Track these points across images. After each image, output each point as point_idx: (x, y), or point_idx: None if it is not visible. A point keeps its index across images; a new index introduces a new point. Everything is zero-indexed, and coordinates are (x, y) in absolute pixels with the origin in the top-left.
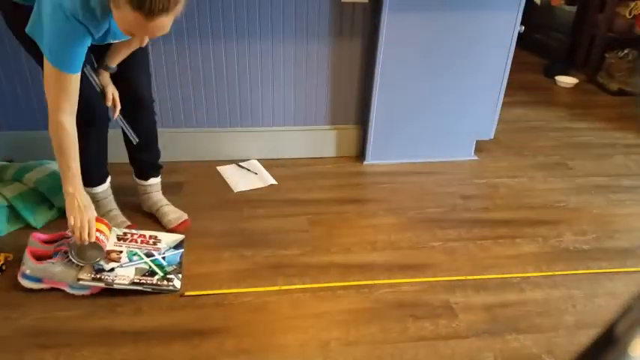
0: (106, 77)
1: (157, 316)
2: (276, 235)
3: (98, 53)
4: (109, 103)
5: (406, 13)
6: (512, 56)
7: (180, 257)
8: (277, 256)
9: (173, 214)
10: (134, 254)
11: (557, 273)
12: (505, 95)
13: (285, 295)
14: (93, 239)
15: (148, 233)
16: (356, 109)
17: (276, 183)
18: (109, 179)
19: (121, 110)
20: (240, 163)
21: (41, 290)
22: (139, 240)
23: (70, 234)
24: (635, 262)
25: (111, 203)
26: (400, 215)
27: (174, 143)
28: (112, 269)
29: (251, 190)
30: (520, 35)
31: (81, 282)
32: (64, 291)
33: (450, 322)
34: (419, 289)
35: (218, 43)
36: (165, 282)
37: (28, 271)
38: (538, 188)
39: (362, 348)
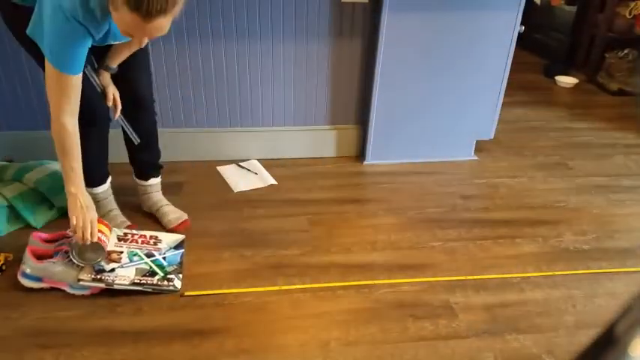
0: (106, 77)
1: (157, 316)
2: (276, 235)
3: (99, 54)
4: (110, 104)
5: (406, 13)
6: (512, 56)
7: (181, 257)
8: (277, 256)
9: (173, 214)
10: (134, 254)
11: (557, 273)
12: (505, 95)
13: (285, 295)
14: (95, 239)
15: (148, 233)
16: (356, 109)
17: (276, 183)
18: (109, 179)
19: (121, 110)
20: (240, 163)
21: (41, 290)
22: (139, 240)
23: (70, 234)
24: (635, 262)
25: (111, 203)
26: (400, 215)
27: (175, 143)
28: (113, 270)
29: (251, 190)
30: (520, 35)
31: (81, 282)
32: (64, 291)
33: (450, 322)
34: (419, 289)
35: (218, 43)
36: (165, 282)
37: (28, 270)
38: (538, 188)
39: (362, 348)
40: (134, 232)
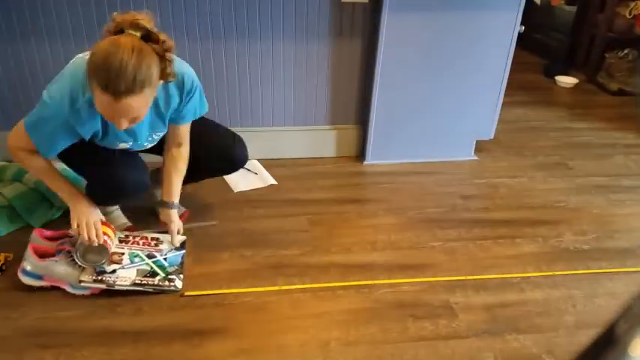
0: (170, 215)
1: (157, 316)
2: (276, 235)
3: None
4: (175, 242)
5: (406, 13)
6: (512, 56)
7: (182, 258)
8: (277, 256)
9: None
10: (136, 256)
11: (557, 273)
12: (505, 95)
13: (285, 295)
14: (101, 241)
15: (149, 235)
16: (356, 109)
17: (276, 183)
18: None
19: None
20: None
21: (41, 290)
22: (140, 242)
23: (73, 233)
24: (635, 262)
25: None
26: (400, 215)
27: None
28: (114, 271)
29: (251, 190)
30: (520, 35)
31: (82, 284)
32: (64, 290)
33: (450, 322)
34: (419, 289)
35: (218, 42)
36: (166, 282)
37: (28, 267)
38: (538, 188)
39: (362, 348)
40: (135, 233)
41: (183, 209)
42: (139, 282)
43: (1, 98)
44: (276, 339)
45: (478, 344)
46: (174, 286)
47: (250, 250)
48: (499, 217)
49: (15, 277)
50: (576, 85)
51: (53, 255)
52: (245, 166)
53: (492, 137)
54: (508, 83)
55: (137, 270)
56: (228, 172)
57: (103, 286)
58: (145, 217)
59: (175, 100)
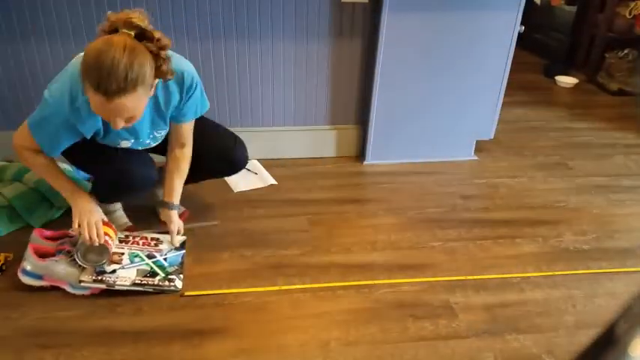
0: (169, 215)
1: (157, 316)
2: (276, 235)
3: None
4: (175, 242)
5: (406, 13)
6: (512, 56)
7: (182, 258)
8: (277, 256)
9: None
10: (136, 256)
11: (557, 273)
12: (505, 95)
13: (285, 295)
14: (102, 240)
15: (149, 235)
16: (356, 109)
17: (276, 183)
18: None
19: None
20: None
21: (41, 290)
22: (140, 242)
23: (74, 233)
24: (635, 262)
25: (115, 205)
26: (400, 215)
27: None
28: (114, 271)
29: (251, 190)
30: (520, 35)
31: (82, 284)
32: (64, 290)
33: (450, 322)
34: (419, 289)
35: (218, 42)
36: (166, 282)
37: (28, 267)
38: (538, 188)
39: (362, 348)
40: (135, 233)
41: (183, 209)
42: (139, 282)
43: (1, 98)
44: (276, 339)
45: (478, 344)
46: (174, 286)
47: (250, 250)
48: (499, 217)
49: (15, 277)
50: (576, 85)
51: (53, 255)
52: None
53: (492, 137)
54: (508, 83)
55: (137, 270)
56: (229, 174)
57: (103, 286)
58: (146, 217)
59: (176, 97)
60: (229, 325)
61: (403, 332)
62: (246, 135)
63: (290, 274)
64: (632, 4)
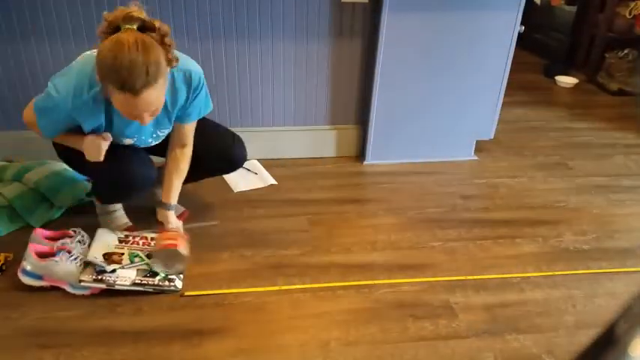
0: (167, 216)
1: (157, 316)
2: (276, 235)
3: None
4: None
5: (406, 13)
6: (512, 56)
7: None
8: (277, 256)
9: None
10: (136, 256)
11: (557, 273)
12: (505, 95)
13: (285, 295)
14: (101, 157)
15: (149, 235)
16: (356, 109)
17: (276, 183)
18: None
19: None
20: None
21: (41, 290)
22: (140, 242)
23: (72, 233)
24: (635, 262)
25: (115, 205)
26: (400, 215)
27: None
28: (114, 270)
29: (251, 190)
30: (520, 35)
31: (83, 284)
32: (64, 290)
33: (450, 322)
34: (419, 289)
35: (218, 42)
36: (166, 282)
37: (28, 267)
38: (538, 188)
39: (362, 348)
40: (135, 233)
41: (182, 209)
42: (139, 282)
43: (1, 98)
44: (276, 339)
45: (478, 344)
46: (174, 286)
47: (250, 250)
48: (499, 217)
49: (15, 277)
50: (576, 85)
51: (53, 255)
52: (245, 166)
53: (492, 137)
54: (508, 83)
55: (137, 270)
56: (227, 172)
57: (103, 286)
58: (146, 217)
59: (182, 96)
60: (229, 325)
61: (403, 332)
62: (246, 135)
63: (290, 274)
64: (632, 4)
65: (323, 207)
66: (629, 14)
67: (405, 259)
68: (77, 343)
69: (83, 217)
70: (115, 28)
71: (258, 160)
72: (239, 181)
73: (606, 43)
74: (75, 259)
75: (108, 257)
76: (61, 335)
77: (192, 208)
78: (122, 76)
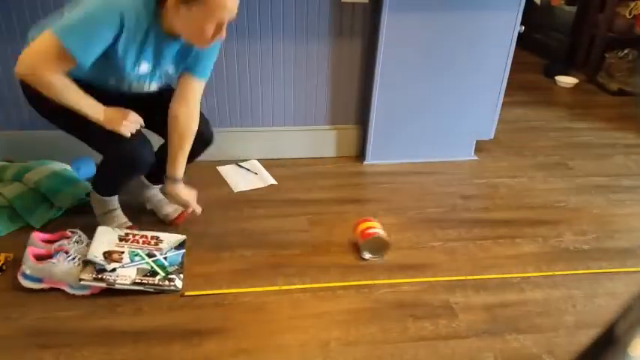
0: (179, 189)
1: (157, 316)
2: (276, 235)
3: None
4: (198, 210)
5: (406, 13)
6: (512, 56)
7: (182, 257)
8: (277, 256)
9: (171, 206)
10: (136, 255)
11: (557, 273)
12: (505, 95)
13: (285, 295)
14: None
15: (149, 234)
16: (356, 109)
17: (276, 183)
18: None
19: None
20: (240, 163)
21: (41, 290)
22: (140, 240)
23: (69, 234)
24: (635, 262)
25: (114, 203)
26: (400, 215)
27: None
28: (114, 269)
29: (251, 190)
30: (520, 35)
31: (83, 282)
32: (64, 291)
33: (450, 322)
34: (419, 289)
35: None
36: (166, 282)
37: (28, 271)
38: (538, 188)
39: (362, 348)
40: (135, 232)
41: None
42: (139, 281)
43: (1, 98)
44: (276, 339)
45: (478, 344)
46: (174, 285)
47: (250, 250)
48: (499, 217)
49: (15, 277)
50: (576, 85)
51: (51, 257)
52: (245, 166)
53: (492, 137)
54: (508, 83)
55: (137, 269)
56: (202, 152)
57: (104, 285)
58: (146, 216)
59: None
60: (229, 325)
61: (403, 332)
62: (246, 135)
63: (290, 274)
64: (632, 4)
65: (323, 207)
66: (629, 14)
67: (405, 259)
68: (77, 343)
69: (83, 217)
70: None
71: (258, 160)
72: (239, 181)
73: (606, 43)
74: (73, 259)
75: (108, 256)
76: (61, 335)
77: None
78: None
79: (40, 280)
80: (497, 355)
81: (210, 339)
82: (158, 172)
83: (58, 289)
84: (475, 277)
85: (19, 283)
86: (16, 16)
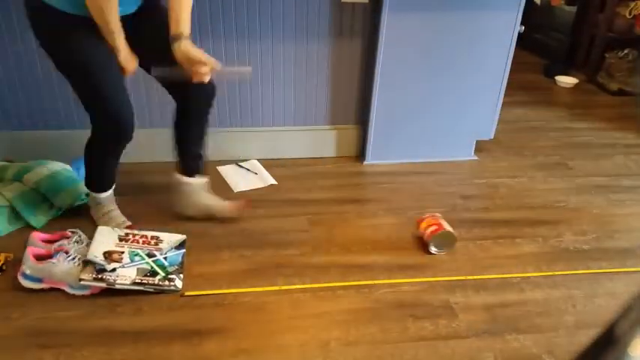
0: (188, 46)
1: (157, 316)
2: (276, 235)
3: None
4: (217, 65)
5: (406, 13)
6: (512, 56)
7: (182, 257)
8: (277, 256)
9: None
10: (136, 255)
11: (557, 273)
12: (505, 95)
13: (285, 295)
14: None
15: (149, 234)
16: (356, 109)
17: (276, 183)
18: (114, 185)
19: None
20: (240, 163)
21: (41, 290)
22: (140, 240)
23: (69, 234)
24: (635, 262)
25: (112, 204)
26: (400, 215)
27: None
28: (114, 269)
29: (251, 190)
30: (520, 35)
31: (83, 282)
32: (64, 291)
33: (450, 322)
34: (419, 289)
35: (218, 42)
36: (166, 282)
37: (28, 271)
38: (538, 188)
39: (362, 348)
40: (135, 232)
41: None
42: (139, 281)
43: (1, 98)
44: (276, 339)
45: (478, 344)
46: (174, 285)
47: (250, 250)
48: (499, 217)
49: (15, 277)
50: (576, 85)
51: (51, 257)
52: (245, 166)
53: (492, 137)
54: (508, 83)
55: (137, 269)
56: (208, 107)
57: (104, 285)
58: (145, 216)
59: None
60: (229, 325)
61: (403, 332)
62: (246, 135)
63: (290, 274)
64: (632, 4)
65: (323, 207)
66: (629, 14)
67: (405, 259)
68: (77, 343)
69: (83, 217)
70: None
71: (258, 160)
72: (239, 181)
73: (606, 43)
74: (73, 259)
75: (108, 256)
76: (61, 335)
77: None
78: None
79: (40, 280)
80: (497, 355)
81: (210, 339)
82: (184, 159)
83: (58, 289)
84: (475, 277)
85: (19, 283)
86: (16, 16)
